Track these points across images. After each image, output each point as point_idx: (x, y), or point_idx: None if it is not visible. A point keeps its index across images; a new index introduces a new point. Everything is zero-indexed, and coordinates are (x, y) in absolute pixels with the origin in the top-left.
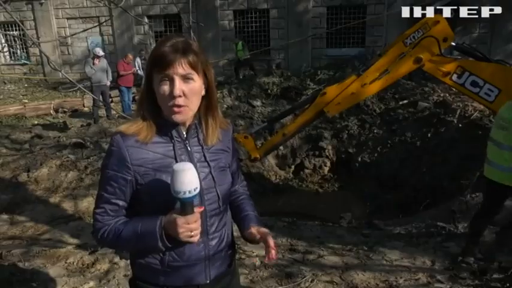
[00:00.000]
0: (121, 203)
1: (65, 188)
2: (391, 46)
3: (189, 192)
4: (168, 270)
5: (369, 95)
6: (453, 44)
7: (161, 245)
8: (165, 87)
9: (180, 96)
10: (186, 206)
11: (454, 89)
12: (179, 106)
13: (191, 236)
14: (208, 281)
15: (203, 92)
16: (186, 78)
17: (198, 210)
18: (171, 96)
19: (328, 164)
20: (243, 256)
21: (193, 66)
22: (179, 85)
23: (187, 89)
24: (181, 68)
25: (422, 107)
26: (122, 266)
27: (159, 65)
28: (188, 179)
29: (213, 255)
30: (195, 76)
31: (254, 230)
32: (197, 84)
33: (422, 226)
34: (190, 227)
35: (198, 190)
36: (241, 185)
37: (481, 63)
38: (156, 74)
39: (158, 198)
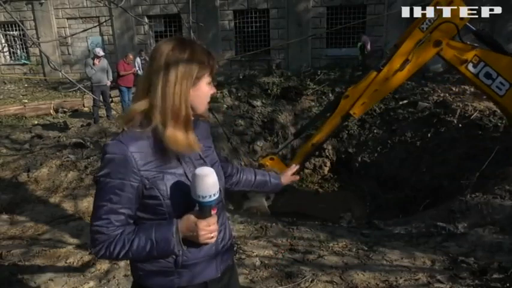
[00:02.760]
0: (127, 211)
1: (65, 188)
2: (407, 35)
3: (213, 195)
4: (182, 270)
5: (393, 88)
6: (473, 28)
7: (177, 249)
8: (210, 87)
9: None
10: (205, 209)
11: (454, 89)
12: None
13: (211, 238)
14: (219, 274)
15: None
16: None
17: (213, 211)
18: (210, 96)
19: (328, 164)
20: (243, 256)
21: None
22: None
23: None
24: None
25: (422, 107)
26: (122, 266)
27: (206, 67)
28: (212, 182)
29: (221, 249)
30: None
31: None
32: None
33: (422, 226)
34: (210, 229)
35: (219, 193)
36: (231, 166)
37: (497, 55)
38: (200, 76)
39: (167, 201)
